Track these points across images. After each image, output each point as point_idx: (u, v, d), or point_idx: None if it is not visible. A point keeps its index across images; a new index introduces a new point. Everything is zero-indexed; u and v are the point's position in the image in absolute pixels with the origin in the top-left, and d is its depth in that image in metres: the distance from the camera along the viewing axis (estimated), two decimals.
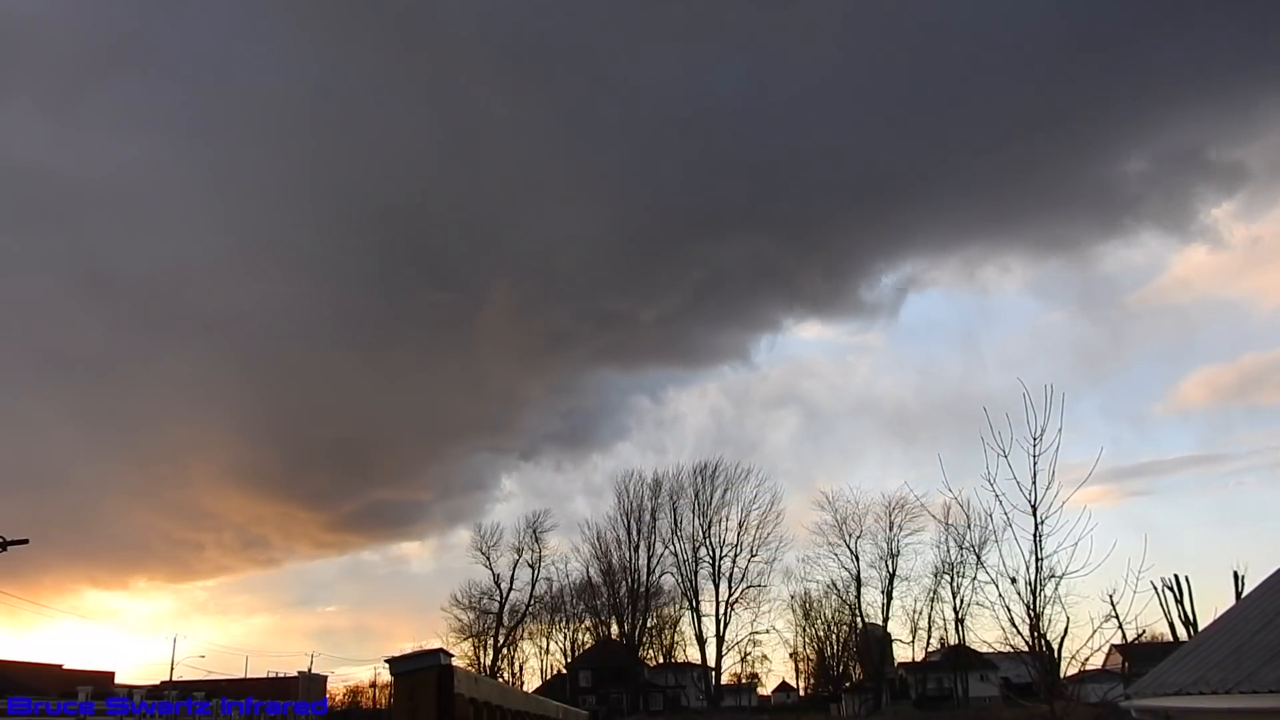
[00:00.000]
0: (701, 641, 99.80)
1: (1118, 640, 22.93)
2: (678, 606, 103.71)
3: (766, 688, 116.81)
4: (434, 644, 74.48)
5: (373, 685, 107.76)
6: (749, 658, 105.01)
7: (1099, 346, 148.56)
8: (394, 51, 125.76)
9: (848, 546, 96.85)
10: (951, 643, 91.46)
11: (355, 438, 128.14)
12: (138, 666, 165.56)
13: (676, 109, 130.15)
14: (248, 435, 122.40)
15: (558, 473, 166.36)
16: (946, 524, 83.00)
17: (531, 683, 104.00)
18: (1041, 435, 14.08)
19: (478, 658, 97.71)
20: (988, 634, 18.87)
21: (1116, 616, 15.87)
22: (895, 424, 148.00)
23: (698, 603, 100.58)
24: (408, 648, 55.31)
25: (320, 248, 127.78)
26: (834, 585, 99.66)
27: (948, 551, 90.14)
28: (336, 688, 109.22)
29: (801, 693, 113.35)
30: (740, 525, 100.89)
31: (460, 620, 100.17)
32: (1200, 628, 32.42)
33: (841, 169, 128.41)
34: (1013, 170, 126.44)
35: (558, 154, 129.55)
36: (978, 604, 75.99)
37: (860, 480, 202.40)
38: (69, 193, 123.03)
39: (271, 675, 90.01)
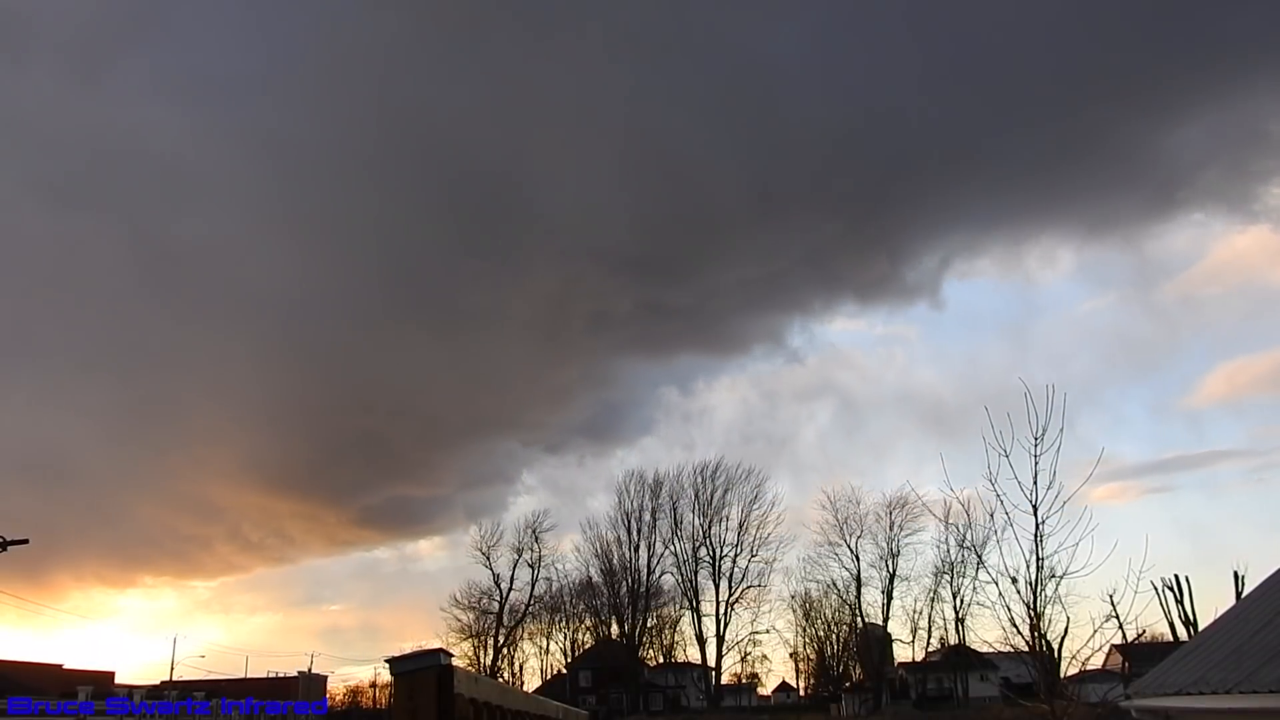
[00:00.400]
0: (701, 641, 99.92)
1: (1118, 640, 22.94)
2: (678, 606, 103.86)
3: (766, 688, 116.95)
4: (435, 644, 74.55)
5: (373, 685, 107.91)
6: (749, 658, 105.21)
7: (1141, 334, 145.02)
8: (442, 13, 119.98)
9: (848, 546, 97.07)
10: (951, 643, 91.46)
11: (377, 428, 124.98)
12: (138, 667, 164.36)
13: (729, 75, 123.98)
14: (263, 424, 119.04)
15: (580, 468, 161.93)
16: (947, 523, 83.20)
17: (531, 683, 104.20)
18: (1043, 435, 14.07)
19: (478, 658, 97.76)
20: (988, 634, 18.89)
21: (1117, 616, 15.89)
22: (933, 418, 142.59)
23: (698, 603, 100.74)
24: (408, 647, 55.57)
25: (350, 225, 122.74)
26: (834, 585, 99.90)
27: (948, 551, 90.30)
28: (337, 688, 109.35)
29: (801, 693, 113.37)
30: (740, 525, 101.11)
31: (460, 620, 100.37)
32: (1200, 628, 32.45)
33: (892, 142, 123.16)
34: (1062, 144, 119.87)
35: (595, 121, 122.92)
36: (978, 604, 76.19)
37: (893, 477, 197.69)
38: (93, 166, 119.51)
39: (271, 675, 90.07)
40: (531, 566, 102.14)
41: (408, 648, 59.35)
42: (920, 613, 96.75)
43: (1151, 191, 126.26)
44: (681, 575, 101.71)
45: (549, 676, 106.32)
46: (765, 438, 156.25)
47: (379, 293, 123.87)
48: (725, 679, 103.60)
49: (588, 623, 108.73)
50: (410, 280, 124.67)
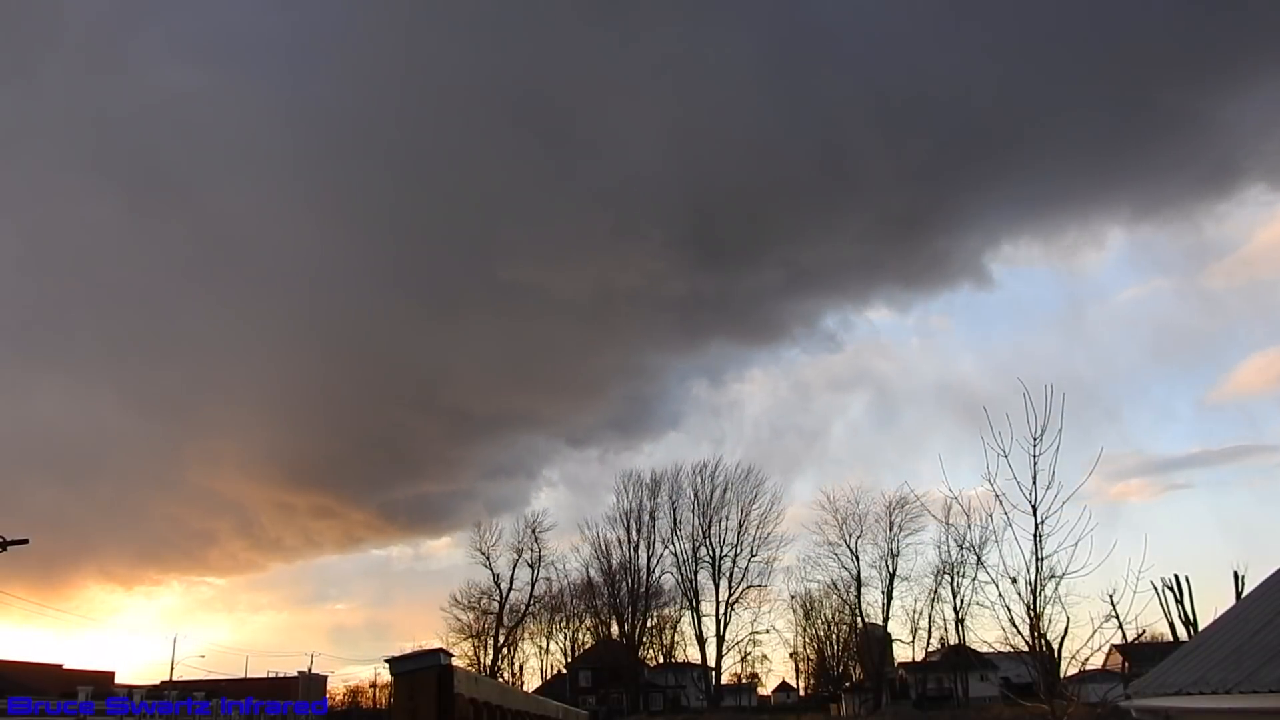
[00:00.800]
0: (701, 641, 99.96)
1: (1118, 640, 22.94)
2: (678, 606, 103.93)
3: (766, 688, 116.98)
4: (437, 644, 74.49)
5: (373, 685, 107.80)
6: (749, 658, 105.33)
7: (1187, 319, 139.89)
8: None
9: (848, 546, 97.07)
10: (951, 643, 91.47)
11: (400, 420, 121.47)
12: (139, 667, 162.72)
13: (783, 45, 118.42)
14: (282, 416, 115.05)
15: (602, 463, 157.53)
16: (947, 523, 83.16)
17: (531, 683, 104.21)
18: (1042, 435, 14.07)
19: (478, 658, 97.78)
20: (988, 634, 18.89)
21: (1117, 616, 15.90)
22: (974, 410, 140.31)
23: (698, 603, 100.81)
24: (410, 647, 55.37)
25: (379, 201, 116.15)
26: (834, 585, 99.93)
27: (948, 551, 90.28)
28: (337, 687, 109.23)
29: (801, 693, 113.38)
30: (740, 525, 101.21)
31: (460, 620, 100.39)
32: (1200, 628, 32.45)
33: (945, 119, 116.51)
34: (1118, 117, 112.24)
35: (644, 91, 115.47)
36: (978, 604, 76.06)
37: (925, 473, 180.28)
38: (111, 137, 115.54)
39: (271, 675, 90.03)
40: (531, 566, 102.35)
41: (409, 647, 59.14)
42: (920, 613, 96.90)
43: (1209, 166, 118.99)
44: (681, 575, 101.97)
45: (549, 676, 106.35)
46: (797, 430, 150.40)
47: (423, 277, 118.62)
48: (725, 679, 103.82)
49: (588, 623, 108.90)
50: (443, 259, 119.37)
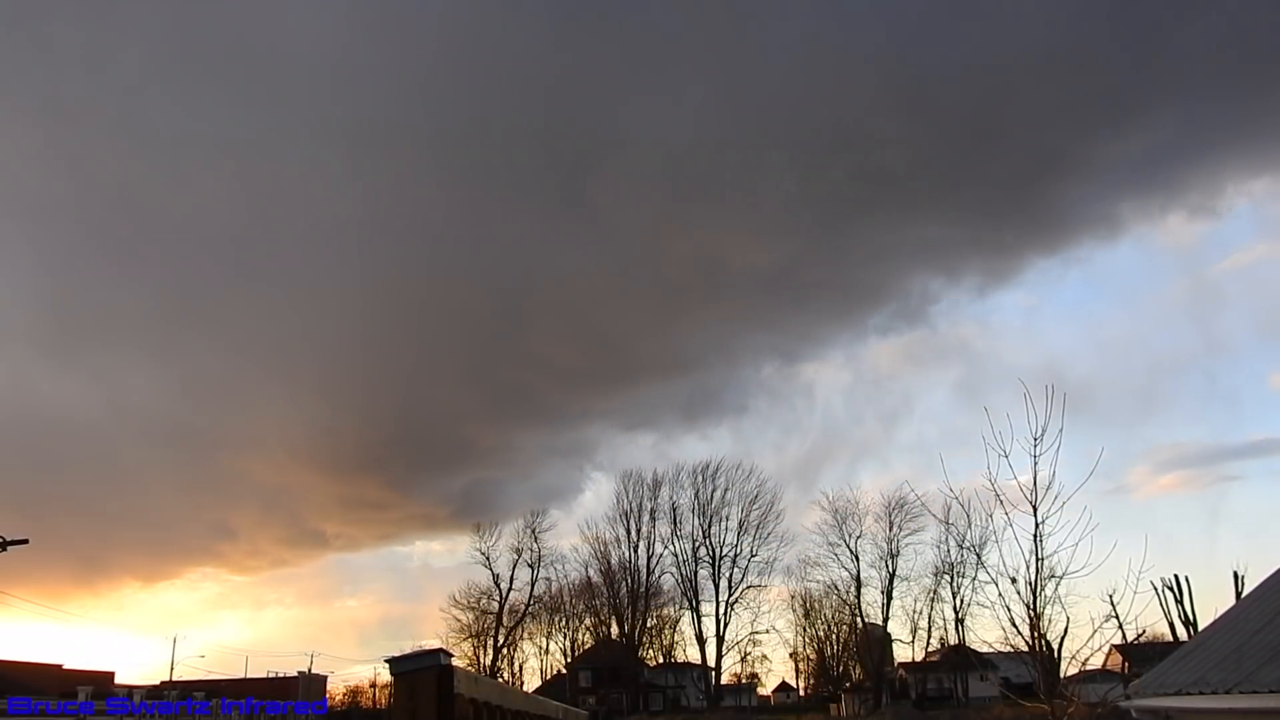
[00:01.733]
0: (701, 641, 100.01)
1: (1118, 640, 22.95)
2: (678, 606, 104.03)
3: (766, 688, 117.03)
4: (435, 644, 74.41)
5: (372, 685, 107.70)
6: (749, 658, 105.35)
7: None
8: None
9: (848, 546, 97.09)
10: (951, 643, 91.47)
11: (448, 406, 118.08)
12: (140, 667, 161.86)
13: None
14: (322, 400, 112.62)
15: (661, 452, 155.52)
16: (947, 524, 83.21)
17: (531, 683, 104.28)
18: (1042, 435, 14.06)
19: (478, 658, 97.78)
20: (988, 634, 18.94)
21: (1116, 616, 15.89)
22: (1073, 394, 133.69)
23: (698, 603, 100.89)
24: (408, 647, 55.01)
25: (434, 170, 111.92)
26: (834, 585, 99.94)
27: (948, 551, 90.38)
28: (337, 687, 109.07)
29: (801, 693, 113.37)
30: (740, 525, 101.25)
31: (460, 620, 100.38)
32: (1200, 628, 32.48)
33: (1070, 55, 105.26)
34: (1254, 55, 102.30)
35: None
36: (978, 604, 76.23)
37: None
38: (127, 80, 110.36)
39: (271, 675, 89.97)
40: (531, 566, 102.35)
41: (408, 647, 59.02)
42: (920, 613, 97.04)
43: None
44: (681, 575, 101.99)
45: (549, 676, 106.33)
46: (875, 415, 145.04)
47: (482, 247, 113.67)
48: (725, 679, 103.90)
49: (587, 623, 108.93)
50: (526, 202, 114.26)
